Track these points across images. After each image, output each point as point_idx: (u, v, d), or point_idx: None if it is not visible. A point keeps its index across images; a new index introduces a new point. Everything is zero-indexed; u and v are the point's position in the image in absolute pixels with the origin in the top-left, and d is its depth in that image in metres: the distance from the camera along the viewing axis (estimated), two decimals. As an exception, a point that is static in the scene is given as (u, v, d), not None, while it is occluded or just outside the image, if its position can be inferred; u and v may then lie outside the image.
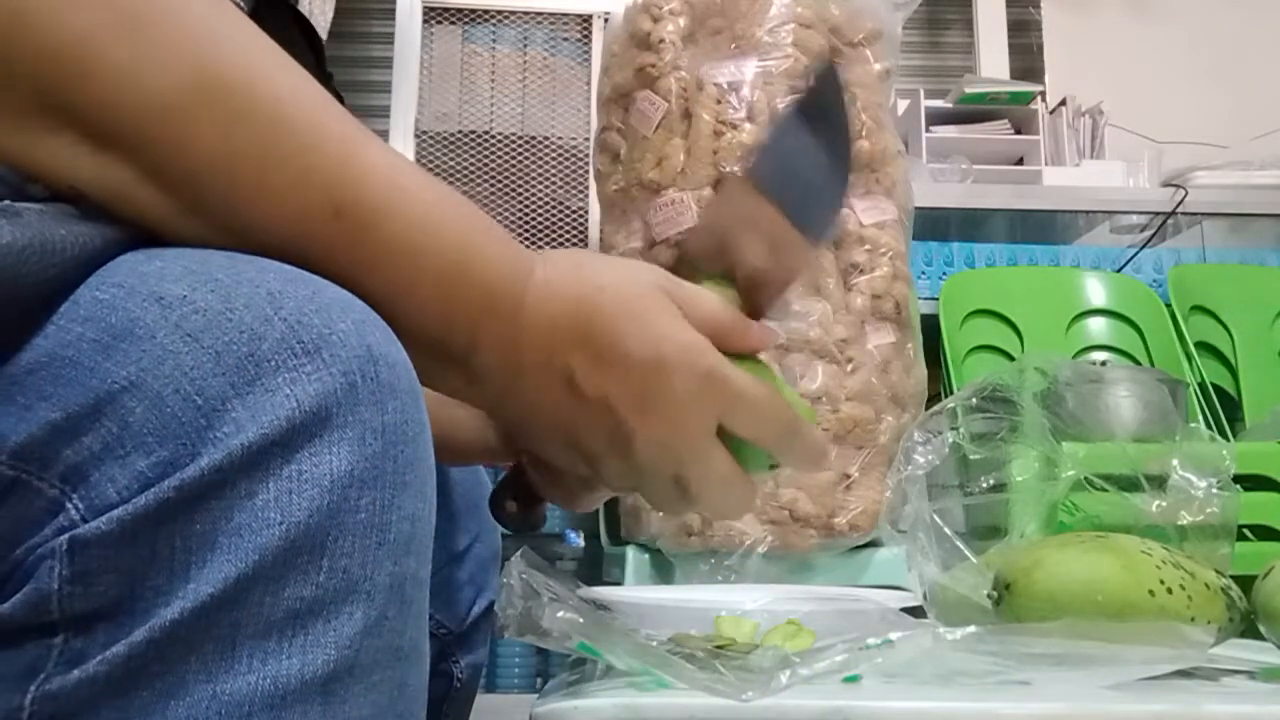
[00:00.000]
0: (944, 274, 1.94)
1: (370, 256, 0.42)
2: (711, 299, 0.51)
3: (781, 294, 0.55)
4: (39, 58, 0.37)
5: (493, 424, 0.62)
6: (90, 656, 0.34)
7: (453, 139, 2.28)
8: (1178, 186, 2.11)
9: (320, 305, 0.37)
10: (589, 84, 2.26)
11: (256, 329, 0.36)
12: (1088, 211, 2.20)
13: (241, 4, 0.54)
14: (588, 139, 2.19)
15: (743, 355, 0.51)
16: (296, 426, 0.35)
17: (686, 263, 0.55)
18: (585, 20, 2.35)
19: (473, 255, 0.45)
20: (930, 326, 1.68)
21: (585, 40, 2.35)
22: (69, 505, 0.35)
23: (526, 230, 2.24)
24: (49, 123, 0.38)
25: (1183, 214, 2.11)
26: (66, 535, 0.34)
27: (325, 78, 0.76)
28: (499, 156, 2.28)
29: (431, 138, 2.28)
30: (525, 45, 2.34)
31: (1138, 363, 1.72)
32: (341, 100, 0.49)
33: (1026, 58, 2.66)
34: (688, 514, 0.52)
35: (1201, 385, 1.66)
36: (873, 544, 1.34)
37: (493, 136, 2.29)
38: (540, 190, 2.28)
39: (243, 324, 0.36)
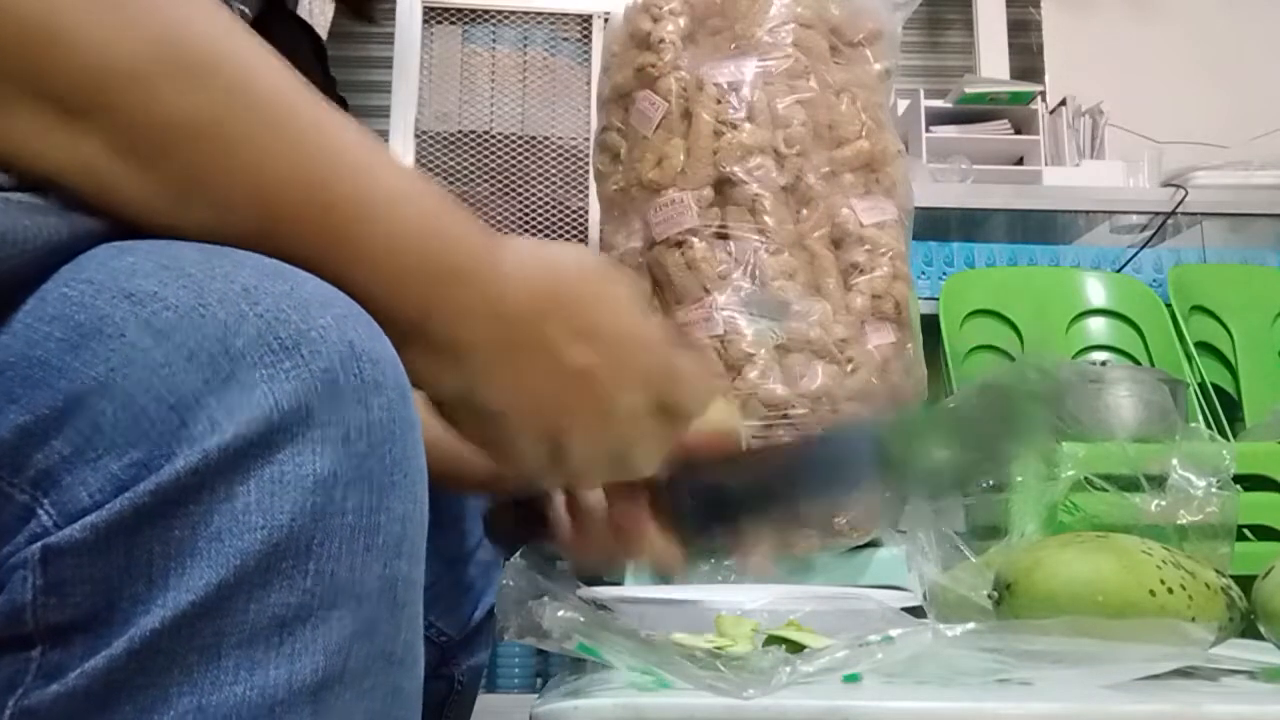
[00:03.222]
0: (944, 274, 1.94)
1: (344, 242, 0.41)
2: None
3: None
4: (3, 23, 0.36)
5: None
6: (69, 669, 0.33)
7: (453, 139, 2.28)
8: (1178, 186, 2.11)
9: (298, 301, 0.36)
10: (589, 84, 2.26)
11: (230, 325, 0.35)
12: (1088, 211, 2.20)
13: (246, 11, 0.54)
14: (588, 139, 2.19)
15: None
16: (275, 426, 0.34)
17: None
18: (585, 20, 2.35)
19: (444, 234, 0.44)
20: (930, 326, 1.67)
21: (585, 40, 2.35)
22: (40, 511, 0.34)
23: (526, 230, 2.24)
24: (19, 93, 0.37)
25: (1183, 214, 2.10)
26: (39, 544, 0.33)
27: (329, 83, 0.76)
28: (499, 156, 2.28)
29: (431, 138, 2.27)
30: (525, 45, 2.34)
31: (1138, 363, 1.72)
32: (345, 104, 0.49)
33: (1026, 58, 2.66)
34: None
35: (1201, 385, 1.65)
36: (873, 544, 1.34)
37: (493, 136, 2.29)
38: (540, 190, 2.28)
39: (216, 320, 0.35)
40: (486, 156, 2.28)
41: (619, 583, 1.35)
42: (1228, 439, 1.47)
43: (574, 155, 2.28)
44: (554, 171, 2.28)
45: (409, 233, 0.43)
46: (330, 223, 0.41)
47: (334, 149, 0.41)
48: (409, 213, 0.43)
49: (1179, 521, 0.70)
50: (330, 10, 2.13)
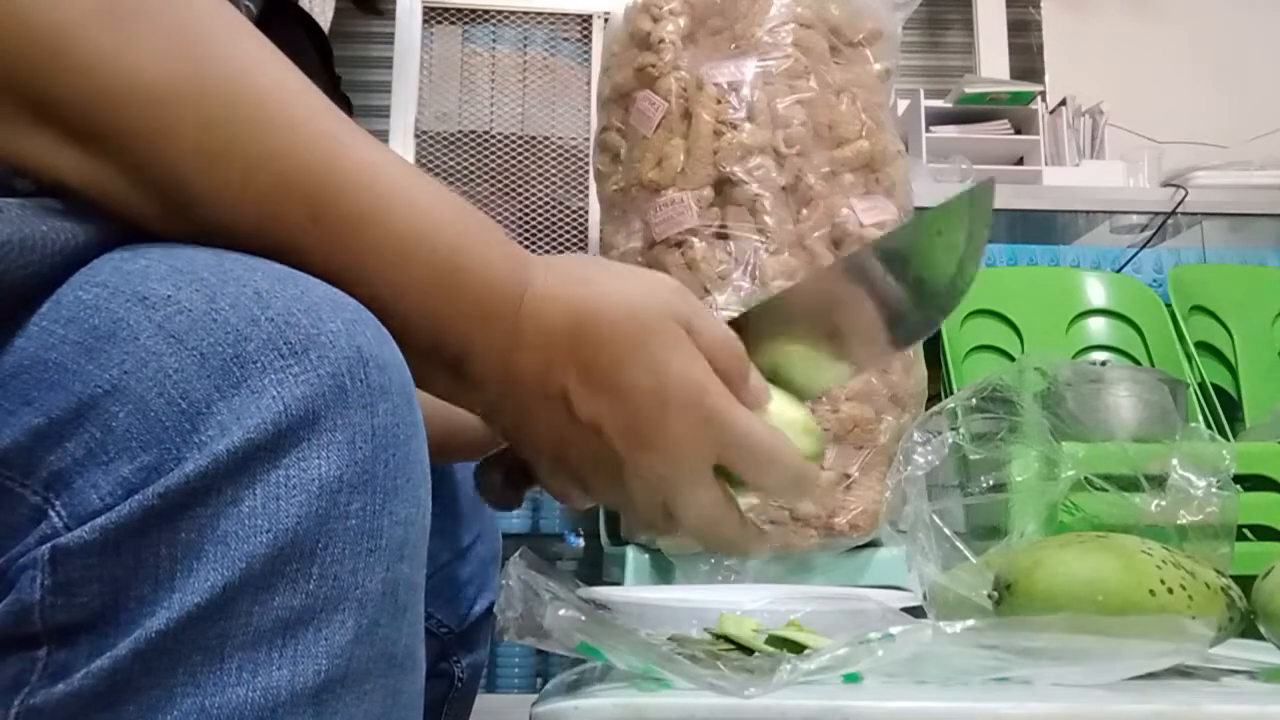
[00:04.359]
0: (944, 274, 1.94)
1: (353, 263, 0.41)
2: (725, 332, 0.49)
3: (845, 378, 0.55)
4: (18, 45, 0.37)
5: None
6: (75, 669, 0.33)
7: (453, 139, 2.28)
8: (1178, 186, 2.11)
9: (309, 305, 0.36)
10: (589, 84, 2.26)
11: (242, 329, 0.35)
12: (1088, 211, 2.20)
13: (251, 6, 0.54)
14: (588, 139, 2.19)
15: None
16: (283, 430, 0.34)
17: (777, 318, 0.53)
18: (585, 20, 2.35)
19: (465, 261, 0.43)
20: (930, 326, 1.67)
21: (585, 40, 2.35)
22: (52, 513, 0.34)
23: (526, 230, 2.24)
24: (30, 113, 0.37)
25: (1183, 214, 2.11)
26: (49, 544, 0.34)
27: (333, 81, 0.76)
28: (499, 156, 2.28)
29: (431, 138, 2.27)
30: (525, 45, 2.34)
31: (1138, 363, 1.72)
32: (349, 103, 0.49)
33: (1026, 58, 2.66)
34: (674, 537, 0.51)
35: (1201, 385, 1.65)
36: (873, 544, 1.35)
37: (493, 136, 2.29)
38: (540, 190, 2.28)
39: (228, 324, 0.35)
40: (486, 156, 2.28)
41: (619, 583, 1.35)
42: (1228, 439, 1.47)
43: (574, 155, 2.28)
44: (554, 171, 2.28)
45: (417, 257, 0.42)
46: (337, 234, 0.41)
47: (342, 171, 0.41)
48: (422, 234, 0.42)
49: (1179, 521, 0.70)
50: (330, 9, 2.13)
